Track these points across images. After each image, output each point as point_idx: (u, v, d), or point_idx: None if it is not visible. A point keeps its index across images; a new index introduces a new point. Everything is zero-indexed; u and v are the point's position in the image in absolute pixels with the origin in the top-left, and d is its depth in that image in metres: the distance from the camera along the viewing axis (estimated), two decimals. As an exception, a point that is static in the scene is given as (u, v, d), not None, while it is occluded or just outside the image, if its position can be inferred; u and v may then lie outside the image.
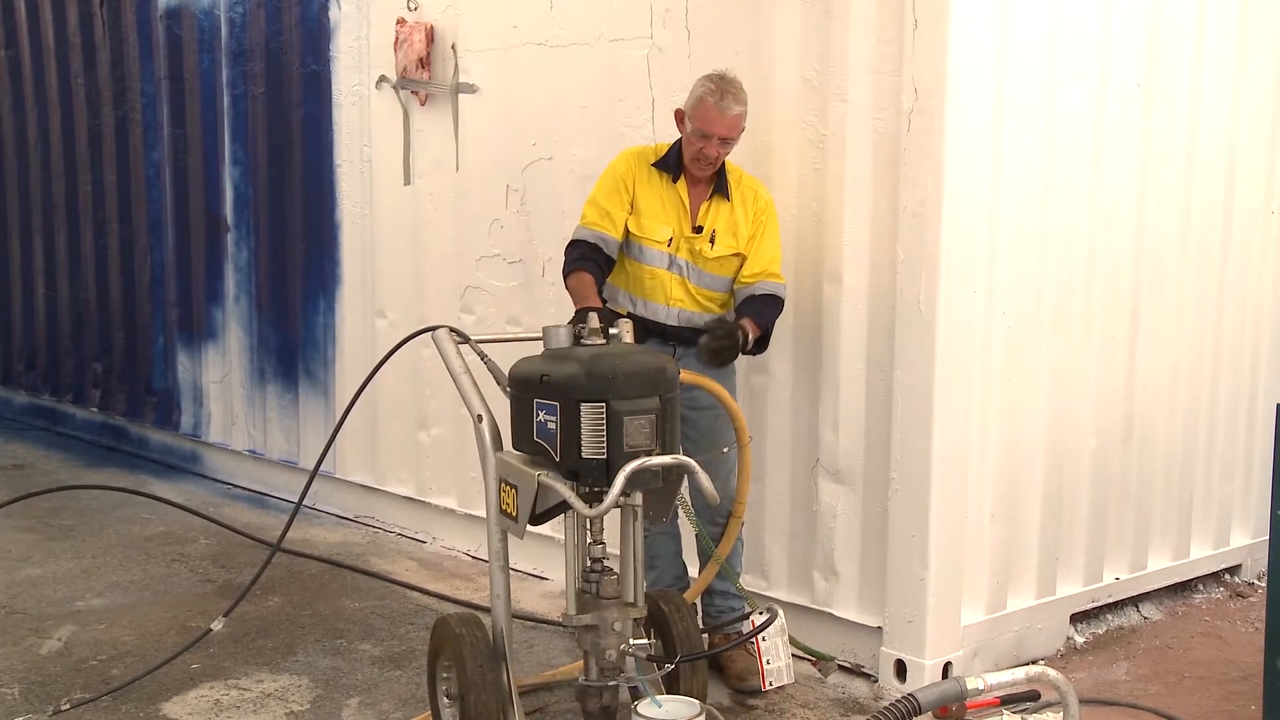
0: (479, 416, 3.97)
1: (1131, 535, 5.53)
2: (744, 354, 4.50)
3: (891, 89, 4.53)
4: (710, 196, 4.55)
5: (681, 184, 4.56)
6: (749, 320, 4.43)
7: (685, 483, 3.85)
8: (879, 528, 4.70)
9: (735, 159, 4.63)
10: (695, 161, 4.49)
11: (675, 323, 4.59)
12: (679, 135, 4.58)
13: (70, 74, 8.70)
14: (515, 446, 3.86)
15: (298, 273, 7.20)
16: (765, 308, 4.51)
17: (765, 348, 4.60)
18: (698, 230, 4.53)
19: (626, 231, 4.57)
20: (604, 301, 4.52)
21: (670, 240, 4.54)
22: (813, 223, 4.81)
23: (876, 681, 4.72)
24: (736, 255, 4.55)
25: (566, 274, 4.51)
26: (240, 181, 7.53)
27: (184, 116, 7.84)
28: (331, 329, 7.03)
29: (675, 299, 4.58)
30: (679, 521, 4.58)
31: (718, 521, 4.59)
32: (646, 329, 4.54)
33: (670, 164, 4.56)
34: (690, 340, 4.55)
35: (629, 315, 4.60)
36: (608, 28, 5.48)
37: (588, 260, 4.50)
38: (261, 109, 7.28)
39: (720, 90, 4.42)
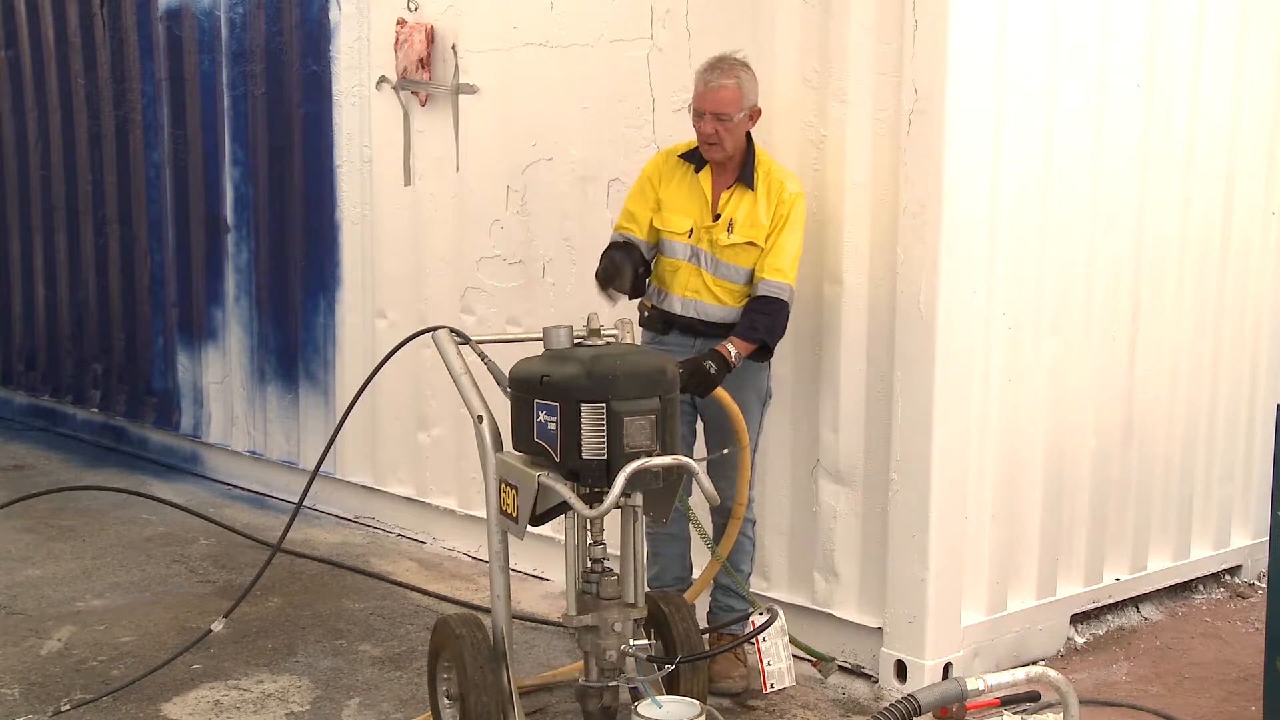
0: (479, 417, 3.97)
1: (1131, 536, 5.52)
2: (755, 362, 4.49)
3: (891, 89, 4.53)
4: (732, 185, 4.52)
5: (705, 174, 4.54)
6: (736, 339, 4.39)
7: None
8: (879, 528, 4.70)
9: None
10: (702, 145, 4.48)
11: (683, 312, 4.56)
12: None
13: (70, 74, 8.70)
14: (515, 447, 3.86)
15: (298, 273, 7.20)
16: (758, 316, 4.45)
17: (769, 354, 4.57)
18: (717, 219, 4.52)
19: (655, 230, 4.59)
20: (644, 288, 4.63)
21: (691, 231, 4.53)
22: (813, 223, 4.79)
23: (877, 682, 4.72)
24: (751, 245, 4.49)
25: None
26: (240, 182, 7.53)
27: (184, 117, 7.84)
28: (331, 329, 7.03)
29: (691, 289, 4.56)
30: (688, 525, 4.59)
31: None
32: (667, 322, 4.58)
33: (695, 154, 4.55)
34: (702, 332, 4.54)
35: (653, 308, 4.63)
36: (608, 28, 5.48)
37: (613, 245, 4.60)
38: (262, 110, 7.28)
39: (711, 66, 4.43)
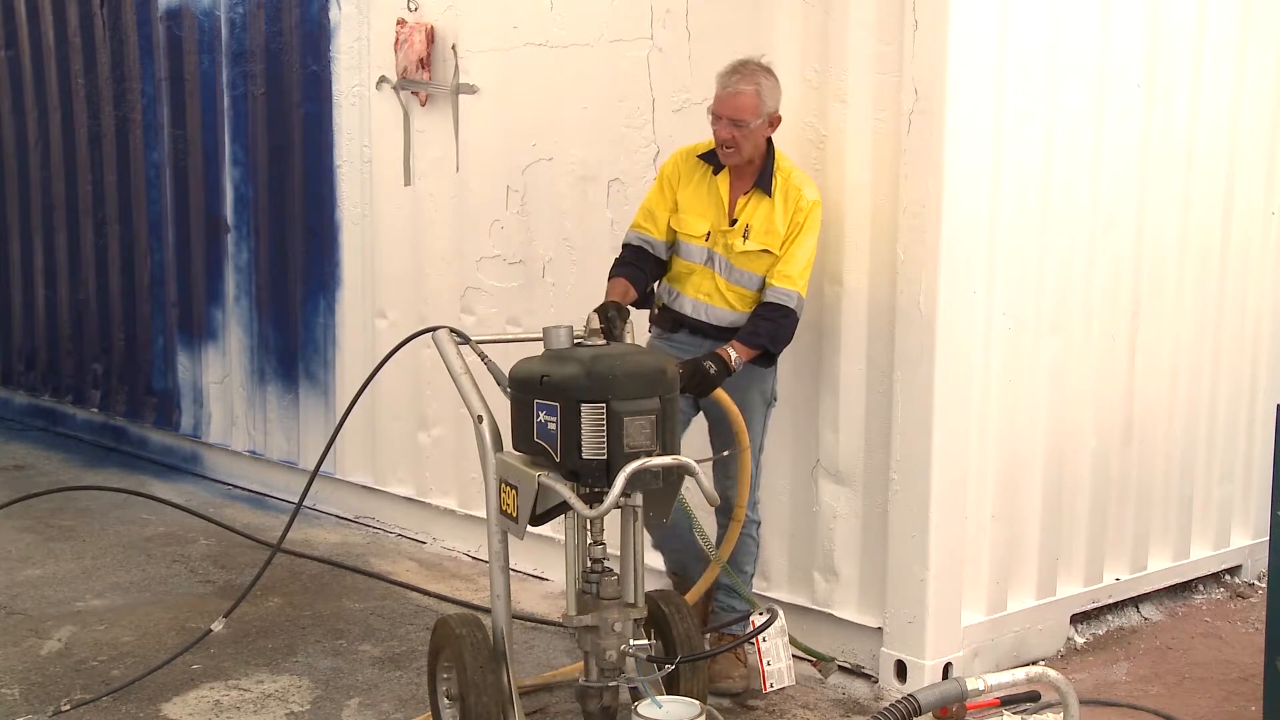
0: (479, 417, 3.97)
1: (1131, 536, 5.52)
2: (758, 367, 4.48)
3: (891, 89, 4.53)
4: (750, 190, 4.50)
5: (723, 177, 4.52)
6: (738, 344, 4.38)
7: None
8: (879, 528, 4.70)
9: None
10: (719, 149, 4.46)
11: (693, 314, 4.56)
12: None
13: (70, 74, 8.70)
14: (515, 447, 3.86)
15: (298, 273, 7.20)
16: (762, 322, 4.43)
17: (772, 361, 4.55)
18: (734, 224, 4.50)
19: (673, 230, 4.58)
20: (652, 299, 4.60)
21: (708, 235, 4.52)
22: (814, 223, 4.81)
23: (877, 682, 4.72)
24: (766, 252, 4.46)
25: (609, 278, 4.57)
26: (240, 182, 7.53)
27: (184, 117, 7.84)
28: (331, 330, 7.03)
29: (703, 293, 4.55)
30: (688, 522, 4.57)
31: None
32: (677, 321, 4.57)
33: (714, 155, 4.52)
34: (709, 334, 4.54)
35: (663, 308, 4.62)
36: (608, 28, 5.48)
37: (626, 265, 4.55)
38: (262, 110, 7.28)
39: (731, 70, 4.40)
